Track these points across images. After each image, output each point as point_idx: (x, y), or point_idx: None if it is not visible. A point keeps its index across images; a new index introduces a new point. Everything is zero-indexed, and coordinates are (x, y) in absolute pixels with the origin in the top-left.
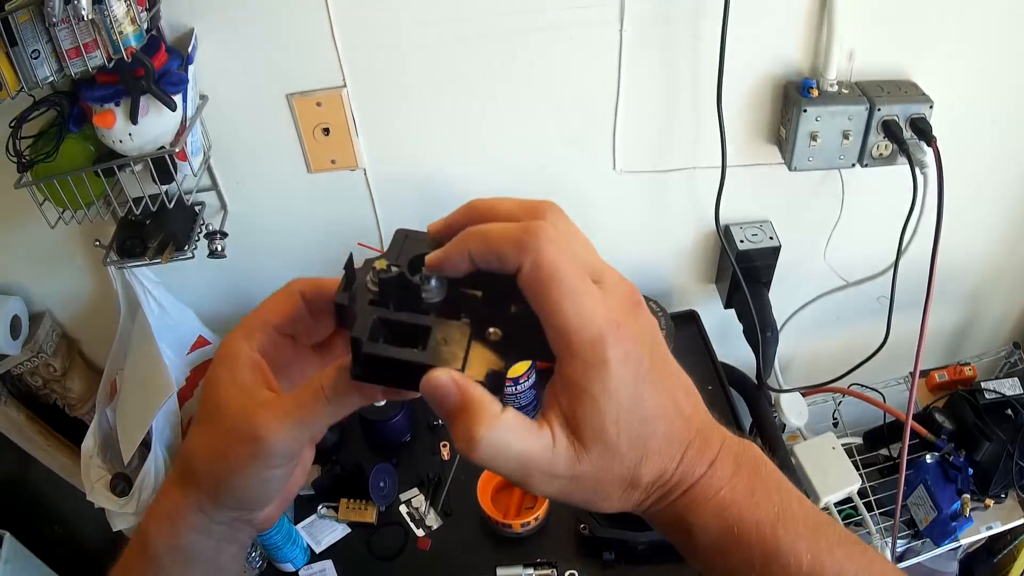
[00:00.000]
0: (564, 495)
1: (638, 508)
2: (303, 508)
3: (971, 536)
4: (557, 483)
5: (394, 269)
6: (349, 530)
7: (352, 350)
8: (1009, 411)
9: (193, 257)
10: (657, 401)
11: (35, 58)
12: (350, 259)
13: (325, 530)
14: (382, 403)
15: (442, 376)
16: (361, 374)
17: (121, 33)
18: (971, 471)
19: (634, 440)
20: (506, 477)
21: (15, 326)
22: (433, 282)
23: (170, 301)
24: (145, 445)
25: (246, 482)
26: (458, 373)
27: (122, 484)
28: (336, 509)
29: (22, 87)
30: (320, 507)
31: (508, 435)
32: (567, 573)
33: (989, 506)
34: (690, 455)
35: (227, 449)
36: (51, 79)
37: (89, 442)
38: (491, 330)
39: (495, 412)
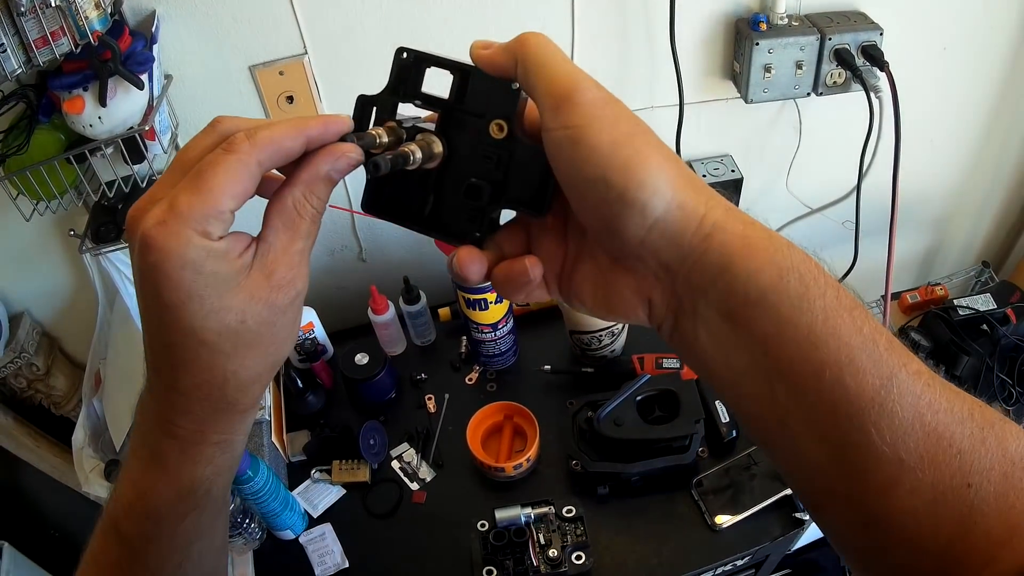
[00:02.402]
0: (619, 117)
1: (699, 199)
2: (297, 474)
3: None
4: (602, 88)
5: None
6: (344, 491)
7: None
8: (984, 326)
9: None
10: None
11: (2, 52)
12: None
13: (320, 494)
14: (364, 361)
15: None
16: (411, 58)
17: (87, 18)
18: None
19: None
20: (558, 72)
21: None
22: None
23: None
24: None
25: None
26: None
27: (116, 470)
28: (329, 472)
29: None
30: (313, 472)
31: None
32: (564, 509)
33: None
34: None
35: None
36: (19, 71)
37: (79, 434)
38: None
39: None
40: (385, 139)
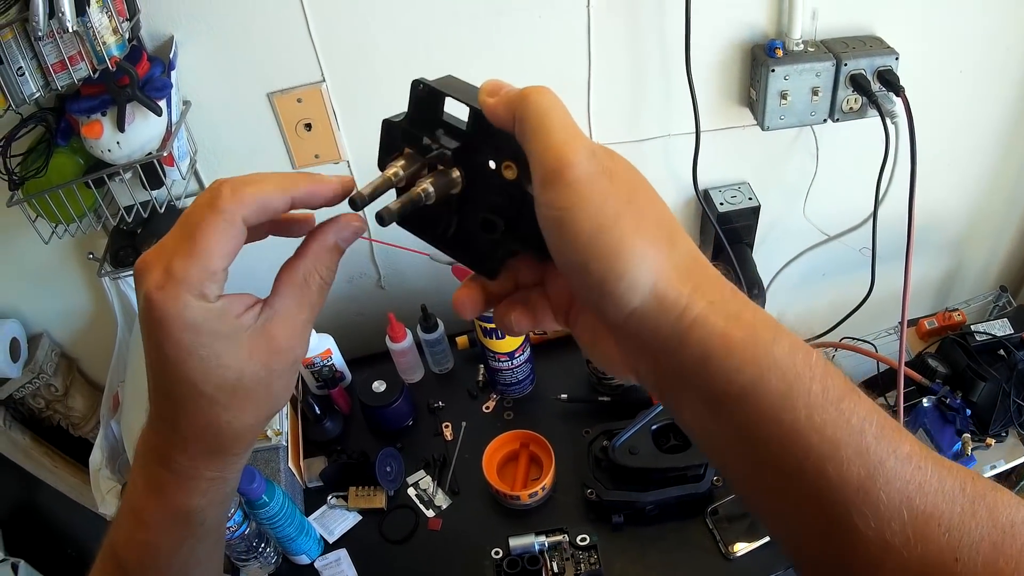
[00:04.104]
0: (606, 198)
1: (682, 291)
2: (313, 500)
3: None
4: (596, 161)
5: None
6: (360, 517)
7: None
8: (1001, 351)
9: None
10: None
11: (20, 75)
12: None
13: (336, 519)
14: (382, 389)
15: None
16: (425, 91)
17: (104, 43)
18: (969, 412)
19: (649, 194)
20: (550, 144)
21: (14, 349)
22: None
23: None
24: None
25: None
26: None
27: None
28: (345, 498)
29: (9, 105)
30: (330, 497)
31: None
32: (578, 537)
33: (990, 445)
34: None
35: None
36: (37, 95)
37: (96, 455)
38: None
39: None
40: (402, 174)
